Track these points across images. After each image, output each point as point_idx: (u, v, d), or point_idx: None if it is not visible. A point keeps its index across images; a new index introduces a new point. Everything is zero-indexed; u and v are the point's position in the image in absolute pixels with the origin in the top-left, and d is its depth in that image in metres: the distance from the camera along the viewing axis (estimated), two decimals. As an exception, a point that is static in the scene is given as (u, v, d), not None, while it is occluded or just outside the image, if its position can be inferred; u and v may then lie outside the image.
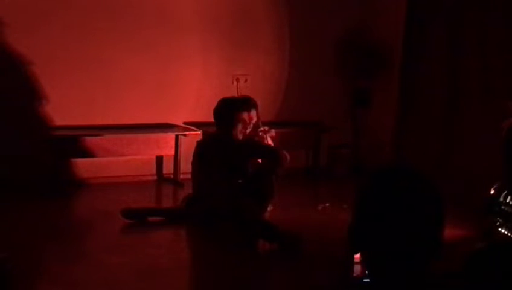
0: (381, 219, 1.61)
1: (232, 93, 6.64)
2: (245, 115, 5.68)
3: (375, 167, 1.72)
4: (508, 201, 5.01)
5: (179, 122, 7.07)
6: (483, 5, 6.47)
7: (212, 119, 5.77)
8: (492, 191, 5.10)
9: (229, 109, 5.66)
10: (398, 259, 1.60)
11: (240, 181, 5.63)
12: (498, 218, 5.06)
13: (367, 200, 1.65)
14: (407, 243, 1.60)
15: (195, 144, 5.87)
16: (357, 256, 2.03)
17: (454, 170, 6.46)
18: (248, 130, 5.77)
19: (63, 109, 6.53)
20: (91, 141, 6.55)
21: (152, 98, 6.97)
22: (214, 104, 5.78)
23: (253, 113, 5.80)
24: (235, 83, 7.13)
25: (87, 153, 6.56)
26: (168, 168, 7.03)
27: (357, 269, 2.05)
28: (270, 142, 6.03)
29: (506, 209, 5.02)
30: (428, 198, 1.63)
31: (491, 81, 6.39)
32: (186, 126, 7.01)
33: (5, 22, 6.25)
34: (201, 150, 5.72)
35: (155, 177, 7.10)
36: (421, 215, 1.61)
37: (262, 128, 5.98)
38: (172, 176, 6.97)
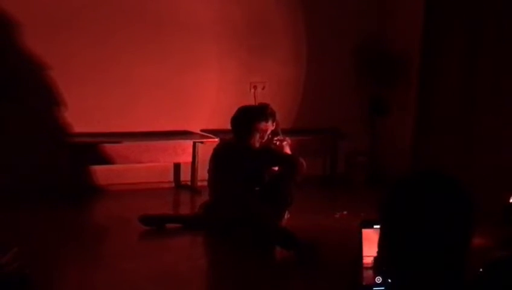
0: (411, 225, 1.58)
1: (249, 100, 6.65)
2: (263, 125, 5.69)
3: (395, 174, 1.68)
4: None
5: (196, 129, 7.09)
6: (501, 12, 6.43)
7: (229, 127, 5.77)
8: (511, 200, 5.07)
9: (247, 118, 5.66)
10: (425, 266, 1.58)
11: (256, 189, 5.63)
12: (517, 227, 5.03)
13: (396, 206, 1.63)
14: (437, 250, 1.57)
15: (212, 151, 5.88)
16: (367, 262, 2.00)
17: (473, 177, 6.41)
18: (265, 139, 5.78)
19: (81, 116, 6.58)
20: (109, 148, 6.58)
21: (170, 105, 7.00)
22: (231, 111, 5.79)
23: (270, 122, 5.80)
24: (252, 90, 7.15)
25: (105, 160, 6.59)
26: (185, 175, 7.05)
27: (368, 276, 2.02)
28: (287, 150, 6.02)
29: (525, 218, 4.98)
30: (462, 203, 1.60)
31: (509, 87, 6.36)
32: (204, 133, 7.02)
33: (24, 29, 6.31)
34: (218, 158, 5.73)
35: (172, 184, 7.11)
36: (453, 222, 1.58)
37: (277, 138, 5.98)
38: (189, 183, 6.99)
